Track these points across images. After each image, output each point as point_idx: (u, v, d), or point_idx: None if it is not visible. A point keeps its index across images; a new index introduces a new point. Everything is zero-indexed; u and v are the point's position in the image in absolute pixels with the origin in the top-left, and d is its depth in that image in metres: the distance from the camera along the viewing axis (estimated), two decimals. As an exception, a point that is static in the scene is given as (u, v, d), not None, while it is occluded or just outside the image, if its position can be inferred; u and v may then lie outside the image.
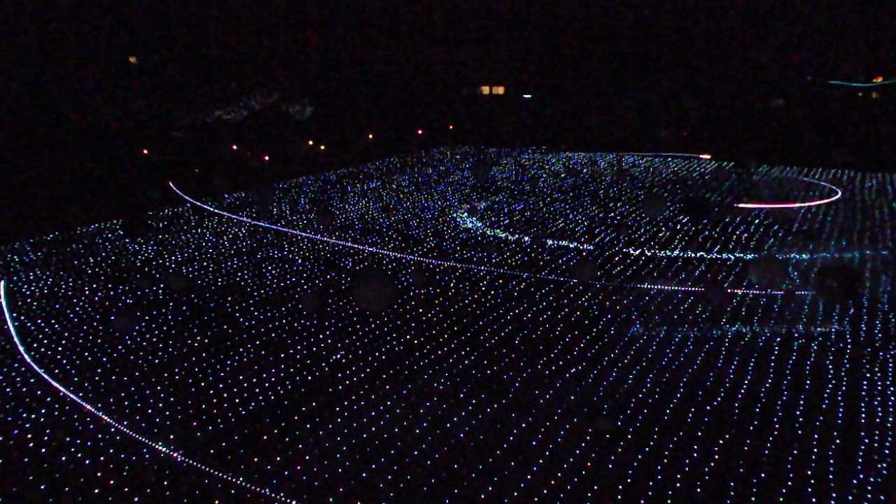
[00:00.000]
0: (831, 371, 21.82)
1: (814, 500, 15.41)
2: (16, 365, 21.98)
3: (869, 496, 15.58)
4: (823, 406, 19.59)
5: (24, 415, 18.85)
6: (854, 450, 17.32)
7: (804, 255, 34.90)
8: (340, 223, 41.68)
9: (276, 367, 22.06)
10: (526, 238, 38.39)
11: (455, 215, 44.27)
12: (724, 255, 34.99)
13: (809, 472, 16.35)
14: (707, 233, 39.52)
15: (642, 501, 15.31)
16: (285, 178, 56.24)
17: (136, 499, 15.31)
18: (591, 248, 36.66)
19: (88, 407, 19.30)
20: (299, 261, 33.94)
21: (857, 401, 19.85)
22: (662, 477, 16.14)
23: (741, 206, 46.51)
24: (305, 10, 75.98)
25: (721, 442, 17.62)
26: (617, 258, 34.61)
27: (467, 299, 28.43)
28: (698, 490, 15.69)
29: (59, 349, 23.24)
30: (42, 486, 15.72)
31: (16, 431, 18.02)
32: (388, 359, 22.69)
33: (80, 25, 57.31)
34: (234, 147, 62.91)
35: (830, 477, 16.23)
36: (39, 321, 25.76)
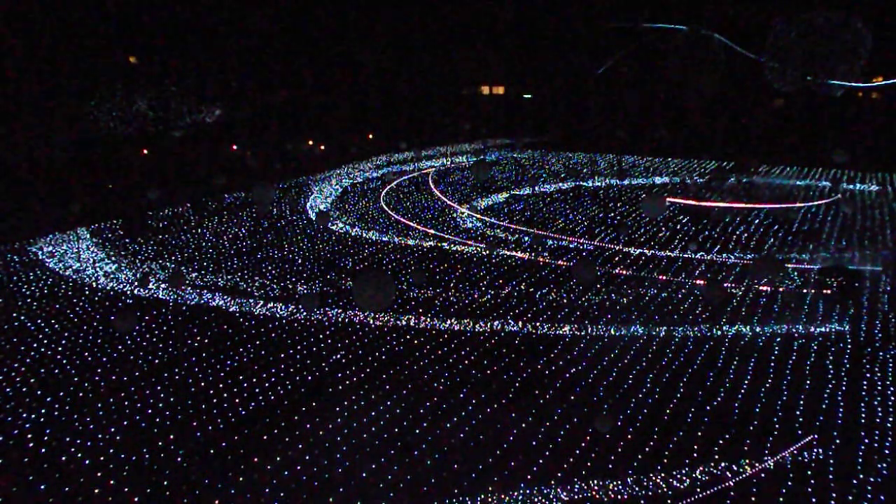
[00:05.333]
0: (831, 371, 21.85)
1: (814, 500, 15.42)
2: (16, 365, 21.99)
3: (869, 496, 15.60)
4: (823, 406, 19.61)
5: (24, 415, 18.86)
6: (854, 450, 17.35)
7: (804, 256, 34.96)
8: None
9: (276, 367, 22.08)
10: (526, 238, 38.40)
11: (455, 214, 44.25)
12: (724, 256, 35.03)
13: (809, 472, 16.38)
14: (707, 233, 39.60)
15: (642, 501, 15.33)
16: (285, 177, 56.26)
17: (136, 499, 15.32)
18: (592, 247, 36.68)
19: (88, 407, 19.29)
20: (299, 260, 33.97)
21: (857, 401, 19.87)
22: (662, 476, 16.15)
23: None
24: (305, 10, 76.04)
25: (721, 442, 17.65)
26: (617, 258, 34.65)
27: (467, 299, 28.45)
28: (697, 489, 15.70)
29: (59, 349, 23.25)
30: (42, 486, 15.73)
31: (16, 431, 18.04)
32: (388, 359, 22.71)
33: (78, 24, 57.34)
34: (234, 147, 62.93)
35: (830, 477, 16.25)
36: (39, 321, 25.79)
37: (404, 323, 25.77)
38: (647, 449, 17.31)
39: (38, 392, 20.18)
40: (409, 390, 20.46)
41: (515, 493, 15.56)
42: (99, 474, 16.15)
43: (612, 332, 24.98)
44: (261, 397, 20.09)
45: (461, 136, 78.56)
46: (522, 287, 30.05)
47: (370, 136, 74.52)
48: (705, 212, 43.74)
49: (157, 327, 25.32)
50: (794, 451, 17.21)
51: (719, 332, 24.86)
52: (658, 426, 18.43)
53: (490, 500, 15.38)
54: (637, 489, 15.72)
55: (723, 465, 16.61)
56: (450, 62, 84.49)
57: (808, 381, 21.10)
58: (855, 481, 16.08)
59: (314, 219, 42.94)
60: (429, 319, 26.09)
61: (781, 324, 25.59)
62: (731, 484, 15.89)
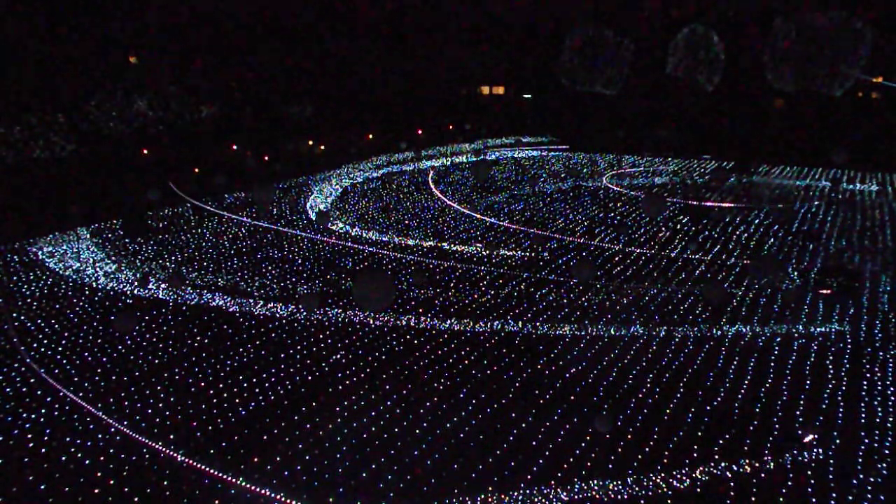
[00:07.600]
0: (831, 371, 21.83)
1: (814, 500, 15.41)
2: (16, 365, 21.98)
3: (869, 496, 15.59)
4: (823, 406, 19.60)
5: (24, 415, 18.85)
6: (854, 450, 17.34)
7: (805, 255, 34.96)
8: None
9: (276, 367, 22.07)
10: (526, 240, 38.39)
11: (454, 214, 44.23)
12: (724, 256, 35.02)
13: (809, 472, 16.37)
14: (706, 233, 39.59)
15: (642, 501, 15.32)
16: (285, 177, 56.26)
17: (135, 499, 15.32)
18: (592, 247, 36.66)
19: (88, 407, 19.30)
20: (299, 260, 33.95)
21: (857, 401, 19.86)
22: (662, 476, 16.14)
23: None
24: (306, 11, 76.17)
25: (721, 442, 17.64)
26: (617, 258, 34.62)
27: (467, 299, 28.43)
28: (698, 489, 15.69)
29: (59, 349, 23.24)
30: (42, 486, 15.73)
31: (16, 431, 18.03)
32: (388, 359, 22.70)
33: (79, 24, 57.40)
34: (234, 147, 62.97)
35: (830, 476, 16.24)
36: (39, 321, 25.77)
37: (404, 323, 25.76)
38: (647, 449, 17.31)
39: (38, 392, 20.18)
40: (409, 390, 20.46)
41: (515, 493, 15.55)
42: (99, 474, 16.15)
43: (612, 332, 24.98)
44: (261, 397, 20.09)
45: (461, 136, 78.65)
46: (522, 287, 30.04)
47: (370, 136, 74.51)
48: (705, 212, 43.75)
49: (157, 327, 25.31)
50: (794, 451, 17.21)
51: (719, 332, 24.85)
52: (658, 426, 18.42)
53: (490, 500, 15.38)
54: (637, 489, 15.71)
55: (723, 465, 16.61)
56: (451, 62, 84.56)
57: (808, 381, 21.10)
58: (855, 481, 16.08)
59: (314, 219, 42.93)
60: (429, 319, 26.08)
61: (781, 324, 25.58)
62: (732, 484, 15.89)
